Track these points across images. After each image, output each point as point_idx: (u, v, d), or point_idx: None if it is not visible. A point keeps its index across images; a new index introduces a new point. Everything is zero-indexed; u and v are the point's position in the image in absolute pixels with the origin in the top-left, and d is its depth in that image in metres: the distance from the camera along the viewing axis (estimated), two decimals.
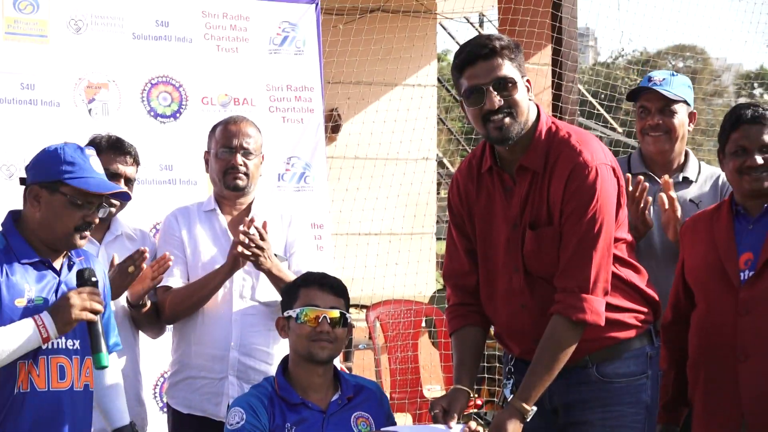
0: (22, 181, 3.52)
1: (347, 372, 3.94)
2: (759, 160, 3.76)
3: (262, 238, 4.16)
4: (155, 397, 5.17)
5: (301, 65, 5.71)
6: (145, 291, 4.22)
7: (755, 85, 25.53)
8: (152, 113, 5.38)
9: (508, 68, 3.49)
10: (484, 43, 3.50)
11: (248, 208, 4.44)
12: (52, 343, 3.45)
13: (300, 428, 3.68)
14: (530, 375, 3.49)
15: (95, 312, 3.44)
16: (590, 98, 9.79)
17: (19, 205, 3.58)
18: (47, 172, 3.45)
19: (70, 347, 3.51)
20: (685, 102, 4.40)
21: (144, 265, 4.13)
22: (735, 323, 3.74)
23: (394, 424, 3.90)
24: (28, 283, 3.43)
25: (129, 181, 4.31)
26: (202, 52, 5.50)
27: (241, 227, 4.16)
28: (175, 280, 4.30)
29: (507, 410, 3.50)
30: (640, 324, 3.68)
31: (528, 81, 3.57)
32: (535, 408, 3.47)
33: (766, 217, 3.79)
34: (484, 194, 3.66)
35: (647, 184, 4.20)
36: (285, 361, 3.86)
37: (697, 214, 4.03)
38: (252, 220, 4.16)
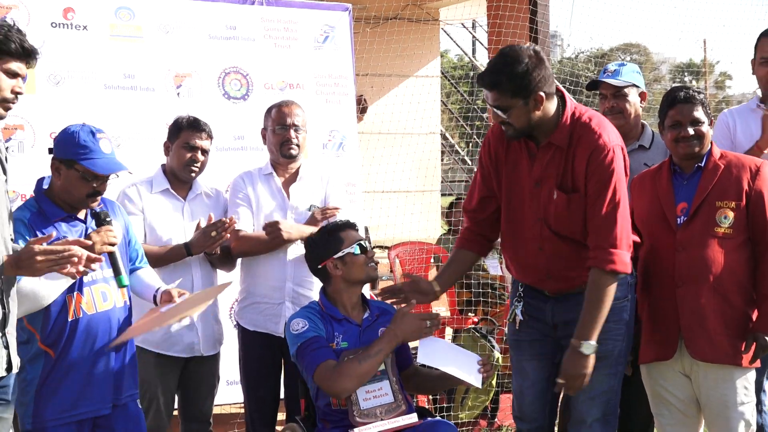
0: (50, 150, 3.47)
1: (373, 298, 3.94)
2: (690, 131, 3.76)
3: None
4: (230, 317, 5.18)
5: (339, 59, 5.70)
6: (214, 247, 4.18)
7: (686, 73, 25.32)
8: (226, 96, 5.39)
9: (502, 100, 3.39)
10: (487, 78, 3.41)
11: (297, 171, 4.43)
12: (91, 276, 3.42)
13: (345, 337, 3.71)
14: (583, 319, 3.43)
15: (112, 244, 3.41)
16: (560, 86, 9.68)
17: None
18: (65, 151, 3.40)
19: (107, 276, 3.49)
20: (635, 85, 4.38)
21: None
22: (673, 257, 3.74)
23: (405, 345, 3.86)
24: (62, 235, 3.38)
25: (204, 152, 4.29)
26: (263, 48, 5.51)
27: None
28: (243, 225, 4.29)
29: (570, 353, 3.43)
30: None
31: (540, 96, 3.40)
32: (593, 342, 3.41)
33: (697, 175, 3.80)
34: (512, 155, 3.60)
35: None
36: (323, 290, 3.86)
37: (643, 172, 4.02)
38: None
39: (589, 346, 3.41)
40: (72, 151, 3.38)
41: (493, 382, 6.16)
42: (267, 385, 4.31)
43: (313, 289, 4.27)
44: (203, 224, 4.15)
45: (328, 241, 3.79)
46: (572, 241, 3.53)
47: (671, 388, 3.85)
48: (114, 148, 3.49)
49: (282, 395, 4.43)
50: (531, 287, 3.68)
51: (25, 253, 2.86)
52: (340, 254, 3.74)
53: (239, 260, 4.44)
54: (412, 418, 3.63)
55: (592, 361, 3.42)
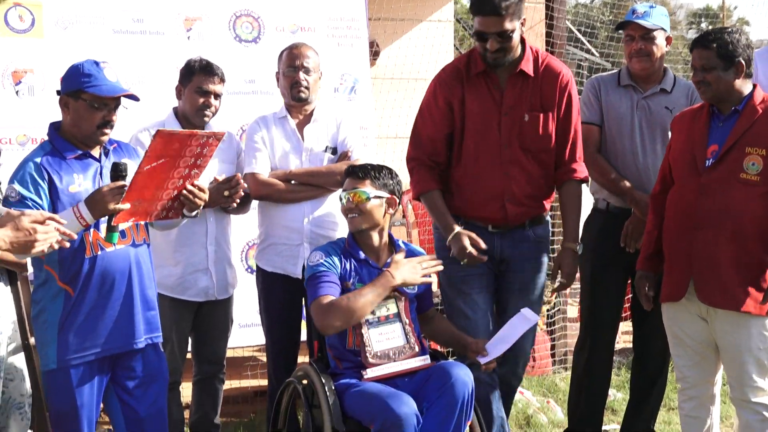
0: (58, 92, 3.46)
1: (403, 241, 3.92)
2: (700, 76, 3.71)
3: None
4: (241, 260, 5.21)
5: (351, 1, 5.62)
6: (229, 203, 4.16)
7: (703, 19, 24.97)
8: (237, 39, 5.32)
9: (507, 23, 3.76)
10: (491, 4, 3.73)
11: (311, 114, 4.40)
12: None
13: (361, 277, 3.72)
14: (570, 225, 4.00)
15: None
16: (575, 30, 9.59)
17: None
18: (71, 83, 3.41)
19: None
20: (662, 29, 4.35)
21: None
22: (696, 200, 3.72)
23: (428, 288, 3.90)
24: (76, 173, 3.41)
25: (217, 96, 4.25)
26: None
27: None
28: (260, 167, 4.28)
29: (567, 255, 3.98)
30: (549, 202, 4.11)
31: (523, 21, 3.84)
32: (581, 244, 3.97)
33: (733, 117, 3.73)
34: (473, 91, 3.91)
35: None
36: None
37: (684, 111, 4.00)
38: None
39: (579, 247, 3.98)
40: (77, 81, 3.38)
41: None
42: (286, 327, 4.32)
43: (335, 228, 4.31)
44: (219, 179, 4.13)
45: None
46: (537, 162, 3.94)
47: (688, 330, 3.86)
48: (120, 78, 3.47)
49: (303, 338, 4.45)
50: (474, 224, 3.93)
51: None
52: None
53: (256, 202, 4.44)
54: (425, 360, 3.65)
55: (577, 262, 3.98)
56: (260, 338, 4.78)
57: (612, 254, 4.26)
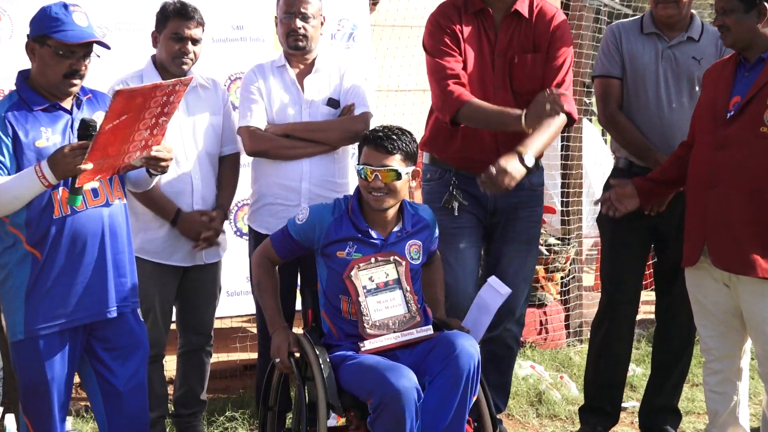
0: (28, 36, 3.40)
1: (411, 203, 3.84)
2: (719, 20, 3.71)
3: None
4: (230, 222, 5.19)
5: None
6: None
7: None
8: None
9: None
10: None
11: (312, 63, 4.36)
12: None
13: (359, 247, 3.67)
14: (538, 135, 3.90)
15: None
16: None
17: None
18: (37, 27, 3.34)
19: None
20: None
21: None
22: (712, 157, 3.70)
23: (437, 241, 3.90)
24: (43, 126, 3.34)
25: (195, 41, 4.19)
26: None
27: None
28: (255, 120, 4.25)
29: (512, 155, 3.86)
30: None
31: None
32: (533, 158, 3.87)
33: (758, 66, 3.69)
34: (469, 30, 4.09)
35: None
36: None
37: (718, 62, 3.98)
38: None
39: (531, 159, 3.86)
40: (44, 26, 3.31)
41: None
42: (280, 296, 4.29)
43: (337, 189, 4.31)
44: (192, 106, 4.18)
45: (359, 146, 3.77)
46: (528, 105, 3.96)
47: (712, 297, 3.86)
48: (91, 23, 3.40)
49: (299, 307, 4.39)
50: (466, 176, 4.06)
51: None
52: (357, 166, 3.70)
53: (249, 159, 4.44)
54: (427, 331, 3.63)
55: (522, 174, 3.85)
56: (250, 307, 4.78)
57: (634, 217, 4.23)
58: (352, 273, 3.62)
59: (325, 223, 3.68)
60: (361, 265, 3.63)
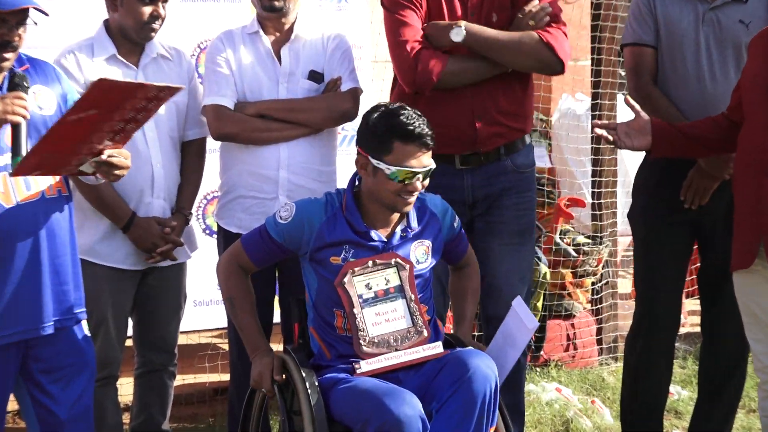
0: None
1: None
2: None
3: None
4: (197, 218, 5.24)
5: None
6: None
7: None
8: None
9: None
10: None
11: (291, 29, 4.37)
12: (3, 158, 3.35)
13: (356, 252, 3.64)
14: (496, 36, 4.14)
15: (17, 115, 3.31)
16: None
17: None
18: None
19: None
20: None
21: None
22: (766, 140, 3.72)
23: (459, 236, 3.89)
24: None
25: (164, 1, 4.20)
26: None
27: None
28: (225, 99, 4.27)
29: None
30: (530, 123, 4.42)
31: None
32: (464, 32, 4.10)
33: None
34: None
35: None
36: (356, 180, 3.74)
37: (766, 29, 3.97)
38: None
39: (460, 33, 4.10)
40: None
41: (539, 305, 6.21)
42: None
43: (321, 178, 4.35)
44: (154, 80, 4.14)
45: (379, 134, 3.59)
46: (513, 71, 4.19)
47: (767, 305, 3.86)
48: None
49: (277, 319, 4.46)
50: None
51: None
52: (375, 161, 3.58)
53: (217, 144, 4.47)
54: (435, 348, 3.61)
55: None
56: (221, 320, 4.81)
57: (671, 211, 4.27)
58: (345, 279, 3.59)
59: (316, 222, 3.64)
60: (356, 269, 3.60)
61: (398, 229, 3.69)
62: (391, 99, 4.41)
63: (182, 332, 4.64)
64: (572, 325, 6.49)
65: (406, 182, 3.56)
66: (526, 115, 4.38)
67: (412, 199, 3.62)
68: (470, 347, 3.65)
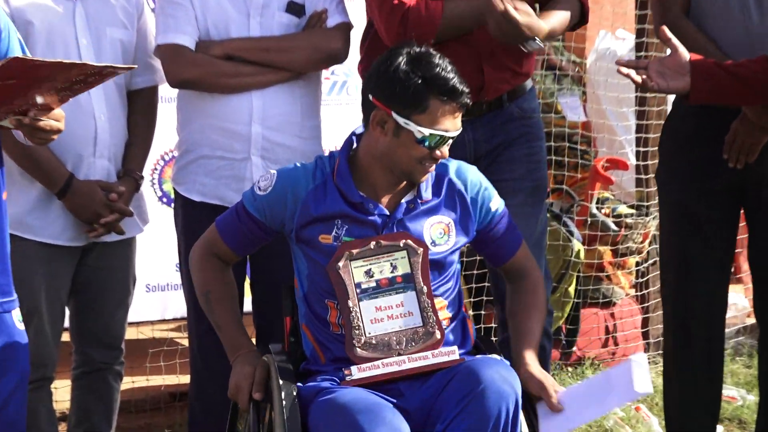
0: None
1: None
2: None
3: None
4: (153, 184, 5.31)
5: None
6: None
7: None
8: None
9: None
10: None
11: None
12: None
13: (351, 228, 3.60)
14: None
15: None
16: None
17: None
18: None
19: None
20: None
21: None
22: None
23: (500, 222, 3.79)
24: None
25: None
26: None
27: None
28: (185, 38, 4.28)
29: None
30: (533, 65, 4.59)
31: None
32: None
33: None
34: None
35: None
36: (354, 141, 3.69)
37: None
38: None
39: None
40: None
41: (571, 290, 6.21)
42: None
43: (304, 134, 4.37)
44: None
45: (412, 86, 3.51)
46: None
47: None
48: None
49: (248, 307, 4.47)
50: None
51: None
52: (402, 119, 3.50)
53: (174, 92, 4.49)
54: (448, 355, 3.53)
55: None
56: (180, 308, 4.90)
57: (711, 172, 4.28)
58: (341, 264, 3.54)
59: (302, 191, 3.59)
60: (354, 252, 3.55)
61: (404, 201, 3.64)
62: (362, 53, 4.42)
63: (131, 324, 4.68)
64: (612, 315, 6.53)
65: (434, 148, 3.52)
66: (530, 56, 4.46)
67: (434, 168, 3.60)
68: (492, 356, 3.57)
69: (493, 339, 4.60)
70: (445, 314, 3.62)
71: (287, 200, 3.60)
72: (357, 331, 3.53)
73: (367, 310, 3.55)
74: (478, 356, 3.57)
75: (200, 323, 4.32)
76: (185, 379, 5.08)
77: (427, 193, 3.65)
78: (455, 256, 3.69)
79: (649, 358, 6.40)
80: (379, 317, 3.56)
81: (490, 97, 4.33)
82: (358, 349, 3.52)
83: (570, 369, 6.18)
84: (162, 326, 5.78)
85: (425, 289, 3.58)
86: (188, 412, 4.62)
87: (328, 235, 3.58)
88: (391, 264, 3.59)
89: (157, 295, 5.21)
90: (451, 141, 3.54)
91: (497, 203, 3.74)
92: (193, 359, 4.51)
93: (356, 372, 3.49)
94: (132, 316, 4.58)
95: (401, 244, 3.59)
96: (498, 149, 4.36)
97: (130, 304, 4.50)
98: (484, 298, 5.97)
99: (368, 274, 3.58)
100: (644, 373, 3.48)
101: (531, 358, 3.61)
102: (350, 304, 3.54)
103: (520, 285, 3.83)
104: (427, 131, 3.47)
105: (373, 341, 3.54)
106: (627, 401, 3.64)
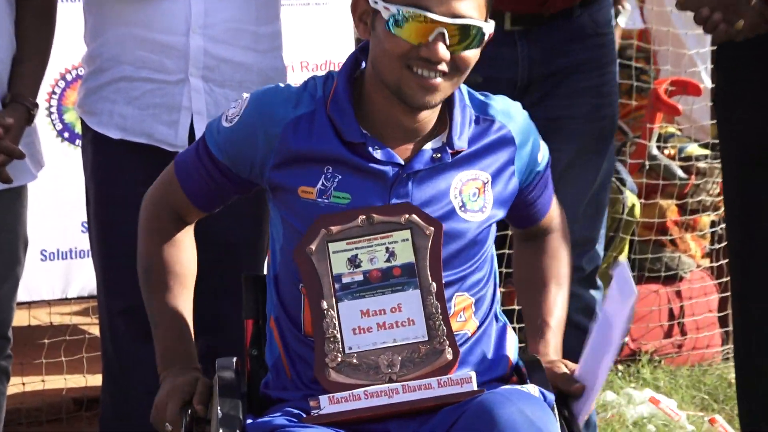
0: None
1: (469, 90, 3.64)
2: None
3: None
4: (50, 115, 5.35)
5: None
6: None
7: None
8: None
9: None
10: None
11: None
12: None
13: (348, 179, 3.46)
14: None
15: None
16: None
17: None
18: None
19: None
20: None
21: None
22: None
23: (541, 180, 3.75)
24: None
25: None
26: None
27: None
28: None
29: None
30: None
31: None
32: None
33: None
34: None
35: None
36: (360, 58, 3.56)
37: None
38: None
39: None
40: None
41: (621, 259, 6.36)
42: None
43: (260, 47, 4.45)
44: None
45: None
46: None
47: None
48: None
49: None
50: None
51: None
52: (374, 1, 3.39)
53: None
54: (462, 384, 3.40)
55: None
56: (89, 284, 4.92)
57: None
58: (313, 246, 3.43)
59: (279, 120, 3.49)
60: (333, 229, 3.43)
61: (428, 146, 3.51)
62: None
63: (21, 304, 4.75)
64: (678, 294, 6.63)
65: (417, 40, 3.37)
66: None
67: (436, 79, 3.41)
68: (527, 387, 3.46)
69: (516, 326, 4.54)
70: (470, 321, 3.53)
71: (257, 137, 3.48)
72: (332, 345, 3.41)
73: (348, 315, 3.43)
74: (502, 387, 3.45)
75: (115, 302, 4.38)
76: (95, 380, 5.15)
77: (461, 139, 3.51)
78: (491, 231, 3.58)
79: (727, 353, 6.51)
80: (366, 326, 3.44)
81: (559, 7, 4.45)
82: (331, 371, 3.39)
83: (621, 367, 6.31)
84: (63, 308, 5.88)
85: (434, 287, 3.44)
86: (99, 424, 4.66)
87: (311, 187, 3.45)
88: (387, 249, 3.48)
89: (56, 265, 5.25)
90: (445, 31, 3.32)
91: (544, 151, 3.67)
92: (106, 353, 4.53)
93: (326, 404, 3.38)
94: (22, 293, 4.60)
95: (402, 220, 3.47)
96: (558, 76, 4.51)
97: (19, 276, 4.50)
98: (504, 270, 5.97)
99: (353, 262, 3.46)
100: (626, 278, 3.51)
101: (547, 348, 3.65)
102: (324, 305, 3.42)
103: (542, 245, 3.83)
104: (395, 8, 3.32)
105: (355, 360, 3.42)
106: (625, 320, 3.59)
